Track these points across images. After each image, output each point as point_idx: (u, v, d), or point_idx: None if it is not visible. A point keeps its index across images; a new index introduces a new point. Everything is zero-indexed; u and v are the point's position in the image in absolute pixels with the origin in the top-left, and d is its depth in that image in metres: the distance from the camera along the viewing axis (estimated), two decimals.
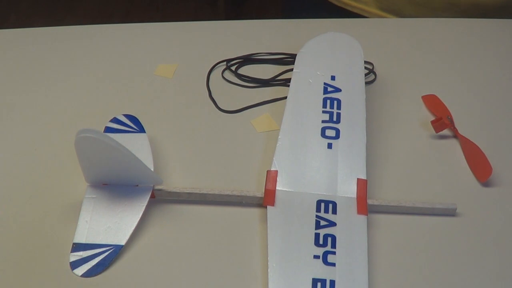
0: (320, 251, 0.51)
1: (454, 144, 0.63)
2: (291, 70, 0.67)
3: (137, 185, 0.56)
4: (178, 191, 0.56)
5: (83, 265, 0.52)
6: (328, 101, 0.62)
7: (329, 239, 0.52)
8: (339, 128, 0.60)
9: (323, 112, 0.62)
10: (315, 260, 0.50)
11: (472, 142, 0.62)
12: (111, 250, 0.52)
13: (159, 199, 0.57)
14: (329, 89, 0.64)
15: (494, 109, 0.67)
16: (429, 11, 0.83)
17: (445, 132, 0.64)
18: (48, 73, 0.72)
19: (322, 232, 0.52)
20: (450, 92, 0.69)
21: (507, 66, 0.73)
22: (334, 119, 0.61)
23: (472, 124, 0.65)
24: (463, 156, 0.62)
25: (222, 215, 0.56)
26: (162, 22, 0.81)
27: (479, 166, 0.60)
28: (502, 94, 0.69)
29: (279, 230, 0.53)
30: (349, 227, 0.53)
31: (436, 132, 0.63)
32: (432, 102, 0.67)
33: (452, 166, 0.61)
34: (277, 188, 0.56)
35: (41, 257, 0.53)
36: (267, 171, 0.57)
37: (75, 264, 0.52)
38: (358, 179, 0.57)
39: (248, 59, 0.73)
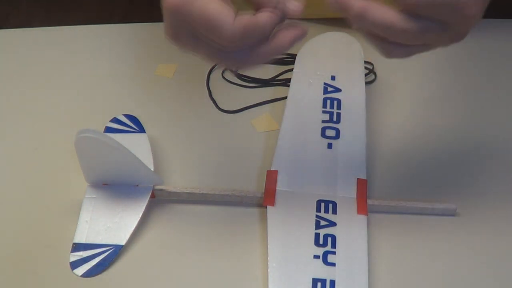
0: (320, 251, 0.51)
1: (453, 144, 0.63)
2: (291, 70, 0.67)
3: (137, 185, 0.56)
4: (178, 191, 0.56)
5: (83, 265, 0.52)
6: (328, 101, 0.62)
7: (329, 239, 0.52)
8: (339, 128, 0.60)
9: (323, 112, 0.62)
10: (315, 260, 0.50)
11: None
12: (111, 250, 0.52)
13: (159, 199, 0.57)
14: (329, 89, 0.64)
15: (496, 109, 0.67)
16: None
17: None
18: (48, 73, 0.72)
19: (322, 232, 0.52)
20: (448, 92, 0.69)
21: (507, 66, 0.72)
22: (334, 119, 0.61)
23: (470, 122, 0.65)
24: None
25: (222, 215, 0.56)
26: (162, 22, 0.81)
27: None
28: (503, 93, 0.69)
29: (279, 230, 0.53)
30: (349, 227, 0.53)
31: None
32: None
33: (452, 166, 0.61)
34: (277, 188, 0.56)
35: (41, 257, 0.53)
36: (267, 171, 0.57)
37: (75, 264, 0.52)
38: (358, 179, 0.56)
39: None
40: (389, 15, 0.40)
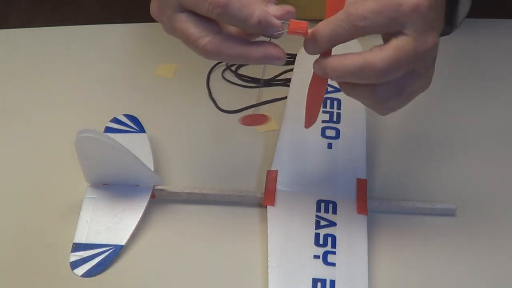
0: (320, 251, 0.51)
1: (454, 143, 0.63)
2: (291, 70, 0.67)
3: (137, 185, 0.56)
4: (178, 191, 0.56)
5: (83, 265, 0.52)
6: (328, 101, 0.62)
7: (329, 239, 0.52)
8: (339, 128, 0.60)
9: (323, 112, 0.62)
10: (315, 260, 0.50)
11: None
12: (111, 250, 0.52)
13: (159, 199, 0.57)
14: (329, 89, 0.63)
15: (497, 109, 0.67)
16: None
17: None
18: (48, 73, 0.72)
19: (322, 232, 0.52)
20: (449, 92, 0.69)
21: (507, 66, 0.72)
22: (334, 119, 0.61)
23: (471, 122, 0.65)
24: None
25: (222, 215, 0.56)
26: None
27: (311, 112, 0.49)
28: (505, 93, 0.69)
29: (279, 230, 0.53)
30: (349, 227, 0.53)
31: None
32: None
33: (452, 165, 0.61)
34: (277, 188, 0.56)
35: (41, 257, 0.53)
36: (267, 171, 0.57)
37: (75, 264, 0.52)
38: (358, 179, 0.56)
39: None
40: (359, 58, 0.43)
